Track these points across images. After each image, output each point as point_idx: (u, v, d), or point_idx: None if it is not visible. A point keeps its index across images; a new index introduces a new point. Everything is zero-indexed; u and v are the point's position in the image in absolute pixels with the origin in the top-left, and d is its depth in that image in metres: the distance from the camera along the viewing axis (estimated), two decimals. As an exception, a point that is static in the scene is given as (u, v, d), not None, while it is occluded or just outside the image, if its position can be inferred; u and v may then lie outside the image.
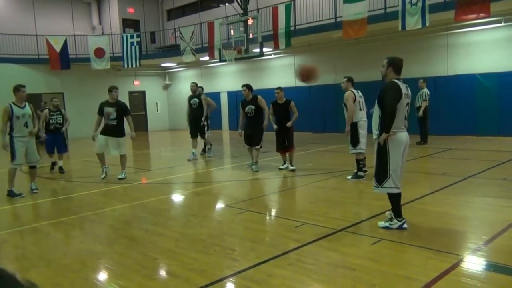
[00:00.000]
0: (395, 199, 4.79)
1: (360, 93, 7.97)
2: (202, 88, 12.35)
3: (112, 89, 8.95)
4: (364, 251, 4.26)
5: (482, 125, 13.65)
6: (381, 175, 4.76)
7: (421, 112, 12.21)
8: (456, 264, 3.83)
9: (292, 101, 9.06)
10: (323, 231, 4.93)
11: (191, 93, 11.68)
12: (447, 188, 6.90)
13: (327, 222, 5.31)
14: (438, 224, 5.05)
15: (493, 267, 3.77)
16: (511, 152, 10.16)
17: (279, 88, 9.20)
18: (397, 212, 4.79)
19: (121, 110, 8.96)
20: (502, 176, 7.58)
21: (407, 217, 4.90)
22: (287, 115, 9.05)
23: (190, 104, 11.55)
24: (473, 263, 3.91)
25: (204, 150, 12.24)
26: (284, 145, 9.10)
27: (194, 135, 11.58)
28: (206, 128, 11.80)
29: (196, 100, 11.46)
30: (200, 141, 11.75)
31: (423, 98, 12.33)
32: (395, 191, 4.74)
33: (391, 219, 4.82)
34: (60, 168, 10.57)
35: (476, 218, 5.44)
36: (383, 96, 4.67)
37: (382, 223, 4.87)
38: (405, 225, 4.76)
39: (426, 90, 12.40)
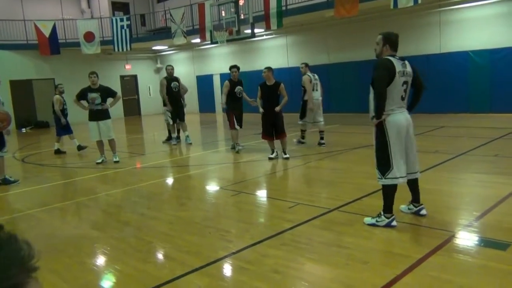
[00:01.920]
0: (390, 191, 4.31)
1: (316, 76, 9.69)
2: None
3: (90, 75, 8.85)
4: (357, 229, 4.31)
5: (474, 102, 13.70)
6: (384, 165, 4.26)
7: None
8: (448, 240, 3.88)
9: (282, 83, 8.37)
10: (316, 211, 4.97)
11: (167, 76, 11.24)
12: (440, 165, 6.95)
13: (321, 202, 5.35)
14: (430, 201, 5.09)
15: (483, 242, 3.83)
16: (503, 129, 10.22)
17: (267, 68, 8.40)
18: (388, 207, 4.30)
19: (106, 93, 8.98)
20: (494, 153, 7.63)
21: (398, 195, 4.89)
22: (275, 98, 8.32)
23: (170, 88, 11.14)
24: (464, 238, 3.96)
25: (179, 137, 11.76)
26: (272, 132, 8.38)
27: (175, 119, 11.30)
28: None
29: (176, 83, 11.18)
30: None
31: None
32: (400, 181, 4.26)
33: (378, 215, 4.35)
34: (79, 146, 11.24)
35: (468, 194, 5.50)
36: (373, 77, 4.20)
37: (368, 220, 4.41)
38: (394, 223, 4.26)
39: None
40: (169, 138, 11.68)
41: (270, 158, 8.39)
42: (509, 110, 12.87)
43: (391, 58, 4.22)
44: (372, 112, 4.31)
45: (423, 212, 4.49)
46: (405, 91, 4.28)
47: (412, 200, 4.61)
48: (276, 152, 8.49)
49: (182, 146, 11.18)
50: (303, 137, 10.02)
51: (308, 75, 9.46)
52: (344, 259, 3.63)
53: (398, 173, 4.24)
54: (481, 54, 13.41)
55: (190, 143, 11.23)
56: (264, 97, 8.39)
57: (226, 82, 9.45)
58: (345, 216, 4.77)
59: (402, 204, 4.70)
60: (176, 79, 11.28)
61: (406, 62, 4.30)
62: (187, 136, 11.38)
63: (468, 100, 13.82)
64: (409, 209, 4.61)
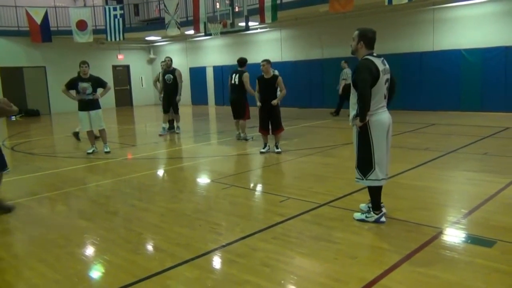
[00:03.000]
0: (376, 190, 4.32)
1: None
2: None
3: (81, 64, 8.69)
4: (346, 224, 4.34)
5: (466, 101, 13.82)
6: (365, 166, 4.24)
7: (340, 90, 13.82)
8: (435, 237, 3.93)
9: (279, 77, 8.33)
10: (307, 205, 5.00)
11: (164, 68, 11.47)
12: (429, 162, 7.02)
13: (312, 196, 5.38)
14: (419, 198, 5.16)
15: (470, 238, 3.89)
16: (493, 127, 10.33)
17: (265, 60, 8.27)
18: (376, 205, 4.34)
19: (97, 83, 8.89)
20: (483, 151, 7.72)
21: (388, 192, 4.97)
22: (273, 91, 8.23)
23: (164, 80, 11.39)
24: (452, 235, 4.02)
25: (172, 127, 12.03)
26: (267, 126, 8.38)
27: (166, 110, 11.57)
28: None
29: (171, 75, 11.31)
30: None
31: (343, 78, 13.94)
32: (382, 183, 4.27)
33: (368, 211, 4.40)
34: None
35: (456, 192, 5.57)
36: (356, 79, 4.12)
37: (358, 215, 4.44)
38: (383, 219, 4.30)
39: (346, 70, 13.75)
40: (171, 128, 12.02)
41: (261, 152, 8.40)
42: (499, 109, 13.01)
43: (371, 58, 4.12)
44: (352, 115, 4.24)
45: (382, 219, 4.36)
46: (387, 88, 4.24)
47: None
48: (268, 146, 8.49)
49: (175, 137, 11.16)
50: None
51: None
52: (333, 253, 3.67)
53: (381, 174, 4.22)
54: (473, 53, 13.51)
55: (178, 133, 11.60)
56: (261, 91, 8.31)
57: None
58: (335, 211, 4.81)
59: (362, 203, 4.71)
60: (171, 71, 11.37)
61: (383, 59, 4.21)
62: (177, 127, 11.82)
63: (460, 98, 13.93)
64: (368, 207, 4.49)
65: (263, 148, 8.48)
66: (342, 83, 13.95)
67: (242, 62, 10.09)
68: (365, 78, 4.03)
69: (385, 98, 4.22)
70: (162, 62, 11.57)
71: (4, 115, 5.72)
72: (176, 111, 11.64)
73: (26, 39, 19.40)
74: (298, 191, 5.68)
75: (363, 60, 4.15)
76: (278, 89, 8.36)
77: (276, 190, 5.93)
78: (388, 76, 4.22)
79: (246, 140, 10.03)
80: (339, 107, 14.49)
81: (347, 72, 13.68)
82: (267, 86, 8.26)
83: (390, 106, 4.37)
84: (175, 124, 11.92)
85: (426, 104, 14.39)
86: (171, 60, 11.49)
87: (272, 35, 19.17)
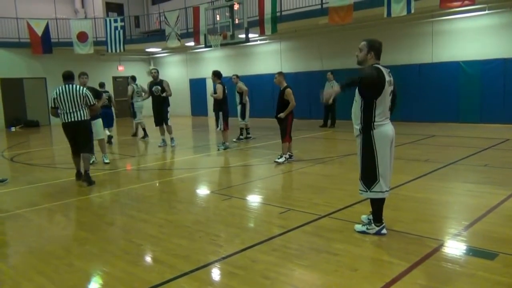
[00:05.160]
0: (379, 203, 4.28)
1: None
2: (237, 76, 12.49)
3: (82, 75, 8.66)
4: (347, 236, 4.32)
5: (465, 112, 13.86)
6: (370, 178, 4.20)
7: (330, 100, 13.40)
8: (437, 249, 3.91)
9: (287, 89, 8.20)
10: (307, 217, 4.98)
11: (151, 80, 11.51)
12: (430, 174, 7.01)
13: (312, 208, 5.36)
14: (419, 210, 5.14)
15: (472, 251, 3.86)
16: (493, 139, 10.33)
17: (277, 73, 8.49)
18: (378, 217, 4.30)
19: (94, 93, 8.80)
20: (484, 163, 7.71)
21: (389, 203, 4.95)
22: (280, 103, 8.23)
23: (152, 92, 11.33)
24: (453, 247, 3.99)
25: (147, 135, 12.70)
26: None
27: (158, 123, 11.46)
28: (168, 114, 11.52)
29: (158, 87, 11.24)
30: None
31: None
32: (386, 195, 4.23)
33: (369, 223, 4.36)
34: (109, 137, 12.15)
35: (457, 203, 5.54)
36: (363, 74, 4.02)
37: (359, 227, 4.42)
38: (384, 231, 4.28)
39: (333, 82, 14.10)
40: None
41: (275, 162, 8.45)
42: (498, 121, 13.04)
43: (379, 66, 4.10)
44: (356, 126, 4.21)
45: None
46: (391, 100, 4.22)
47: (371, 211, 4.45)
48: (284, 157, 8.46)
49: (174, 148, 11.14)
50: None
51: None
52: (333, 265, 3.64)
53: (385, 186, 4.19)
54: (472, 65, 13.57)
55: (173, 146, 11.39)
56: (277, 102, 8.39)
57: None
58: (336, 223, 4.78)
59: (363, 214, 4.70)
60: (158, 83, 11.29)
61: (389, 70, 4.20)
62: (172, 139, 11.55)
63: (459, 110, 13.97)
64: (369, 219, 4.46)
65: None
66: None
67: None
68: (373, 73, 3.99)
69: (389, 110, 4.20)
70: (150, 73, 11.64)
71: None
72: (166, 122, 11.38)
73: (27, 50, 19.51)
74: (298, 203, 5.66)
75: (372, 66, 4.11)
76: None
77: (276, 201, 5.91)
78: (392, 88, 4.20)
79: (224, 149, 10.53)
80: (326, 118, 14.91)
81: (332, 85, 14.07)
82: (278, 98, 8.35)
83: (390, 118, 4.35)
84: (168, 136, 11.54)
85: (425, 116, 14.41)
86: (157, 72, 11.50)
87: (272, 47, 19.28)
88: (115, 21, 19.34)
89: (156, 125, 11.55)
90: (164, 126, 11.45)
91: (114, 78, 23.54)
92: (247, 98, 12.12)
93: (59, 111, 7.16)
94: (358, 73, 4.08)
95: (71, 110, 7.09)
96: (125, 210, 5.81)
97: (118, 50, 19.51)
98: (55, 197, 6.62)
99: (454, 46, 14.02)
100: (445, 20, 14.08)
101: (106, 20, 19.55)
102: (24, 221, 5.42)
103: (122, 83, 24.12)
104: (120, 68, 23.79)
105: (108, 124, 11.64)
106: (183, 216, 5.34)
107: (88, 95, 7.26)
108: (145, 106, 13.82)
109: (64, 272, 3.77)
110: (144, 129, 13.63)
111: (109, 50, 19.48)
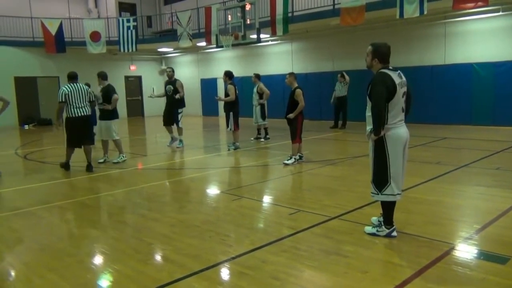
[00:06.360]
0: (390, 206, 4.26)
1: None
2: (257, 76, 12.29)
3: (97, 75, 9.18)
4: (357, 238, 4.31)
5: (477, 115, 13.71)
6: (381, 180, 4.19)
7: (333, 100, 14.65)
8: (447, 252, 3.88)
9: (297, 89, 8.21)
10: (317, 218, 4.97)
11: (167, 79, 11.31)
12: (441, 177, 6.96)
13: (322, 209, 5.35)
14: (430, 213, 5.10)
15: (483, 255, 3.83)
16: (506, 142, 10.22)
17: (288, 73, 8.51)
18: (388, 219, 4.29)
19: (106, 94, 9.08)
20: (496, 166, 7.63)
21: (400, 206, 4.91)
22: (290, 104, 8.24)
23: (165, 91, 11.17)
24: (464, 251, 3.96)
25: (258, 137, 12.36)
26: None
27: (167, 122, 11.23)
28: (181, 115, 11.27)
29: (171, 86, 11.00)
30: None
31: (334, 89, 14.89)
32: (397, 198, 4.20)
33: (379, 225, 4.34)
34: None
35: (469, 207, 5.49)
36: (371, 92, 4.08)
37: (369, 229, 4.41)
38: (394, 233, 4.26)
39: (343, 83, 14.54)
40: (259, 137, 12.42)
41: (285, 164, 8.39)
42: (511, 123, 12.88)
43: (387, 71, 4.09)
44: (368, 129, 4.19)
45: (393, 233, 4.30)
46: (405, 102, 4.19)
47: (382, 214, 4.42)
48: (294, 158, 8.44)
49: (182, 149, 11.18)
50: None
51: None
52: (343, 267, 3.63)
53: (396, 189, 4.17)
54: (485, 67, 13.43)
55: (179, 147, 11.21)
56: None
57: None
58: (346, 225, 4.77)
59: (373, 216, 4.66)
60: (172, 82, 11.07)
61: (400, 72, 4.16)
62: (180, 140, 11.35)
63: (471, 112, 13.84)
64: (379, 221, 4.41)
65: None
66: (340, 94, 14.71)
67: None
68: (380, 90, 4.01)
69: (403, 111, 4.17)
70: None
71: None
72: (177, 123, 11.20)
73: (41, 49, 19.73)
74: (308, 204, 5.65)
75: (378, 73, 4.12)
76: None
77: (286, 202, 5.91)
78: (405, 89, 4.17)
79: (235, 149, 10.55)
80: (336, 119, 14.93)
81: (339, 86, 14.68)
82: (289, 99, 8.34)
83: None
84: (177, 137, 11.35)
85: (437, 118, 14.30)
86: (173, 71, 11.30)
87: (283, 48, 19.27)
88: (128, 21, 19.49)
89: (164, 125, 11.34)
90: (175, 126, 11.26)
91: (126, 78, 23.72)
92: (263, 100, 12.01)
93: (64, 106, 8.00)
94: (369, 91, 4.10)
95: (80, 105, 8.04)
96: (136, 209, 5.86)
97: (130, 50, 19.66)
98: (66, 195, 6.69)
99: (467, 48, 13.88)
100: (458, 21, 13.95)
101: (118, 20, 19.70)
102: (36, 219, 5.49)
103: (134, 82, 24.31)
104: (132, 67, 23.95)
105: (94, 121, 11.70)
106: (193, 216, 5.37)
107: (91, 92, 8.33)
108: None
109: (75, 269, 3.81)
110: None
111: (122, 50, 19.63)
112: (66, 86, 8.06)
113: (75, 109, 7.99)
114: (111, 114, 9.04)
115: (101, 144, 9.38)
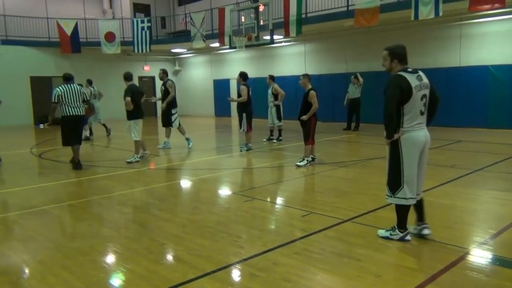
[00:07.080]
0: (403, 209, 4.20)
1: None
2: (271, 77, 12.22)
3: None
4: (370, 241, 4.27)
5: (493, 118, 13.52)
6: (394, 183, 4.14)
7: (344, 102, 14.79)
8: (462, 257, 3.83)
9: (311, 91, 8.17)
10: (329, 220, 4.95)
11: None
12: (456, 180, 6.87)
13: (334, 212, 5.32)
14: (445, 217, 5.04)
15: (498, 260, 3.77)
16: (522, 146, 10.06)
17: (302, 75, 8.50)
18: (402, 223, 4.22)
19: (125, 93, 9.23)
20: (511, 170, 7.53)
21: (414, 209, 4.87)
22: (303, 106, 8.24)
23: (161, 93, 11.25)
24: (479, 256, 3.90)
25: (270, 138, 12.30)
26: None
27: (164, 124, 11.34)
28: (174, 116, 11.19)
29: (162, 87, 11.05)
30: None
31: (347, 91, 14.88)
32: (410, 202, 4.14)
33: (392, 229, 4.28)
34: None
35: (484, 211, 5.41)
36: (384, 94, 4.04)
37: (382, 232, 4.36)
38: (407, 237, 4.20)
39: (355, 85, 14.51)
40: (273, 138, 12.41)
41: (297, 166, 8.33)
42: (528, 127, 12.69)
43: (404, 74, 4.02)
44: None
45: (425, 232, 4.24)
46: (424, 105, 4.09)
47: (416, 218, 4.37)
48: (306, 160, 8.40)
49: (194, 149, 11.22)
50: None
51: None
52: (356, 271, 3.61)
53: (409, 193, 4.10)
54: (501, 69, 13.25)
55: (169, 148, 11.24)
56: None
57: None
58: (359, 228, 4.74)
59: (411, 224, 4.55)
60: (164, 83, 11.10)
61: (421, 73, 4.10)
62: (187, 139, 11.36)
63: (487, 115, 13.65)
64: (414, 228, 4.36)
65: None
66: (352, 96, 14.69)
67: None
68: (392, 93, 3.97)
69: (421, 114, 4.09)
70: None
71: None
72: (170, 124, 11.19)
73: (56, 49, 19.98)
74: (320, 206, 5.63)
75: (394, 76, 4.08)
76: None
77: (298, 204, 5.89)
78: (425, 91, 4.08)
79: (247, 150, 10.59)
80: (350, 121, 14.86)
81: (353, 87, 14.63)
82: (302, 100, 8.33)
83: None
84: (168, 140, 11.36)
85: (452, 121, 14.12)
86: (163, 72, 11.18)
87: (296, 49, 19.24)
88: (142, 21, 19.66)
89: (163, 126, 11.49)
90: (171, 128, 11.30)
91: (140, 78, 23.88)
92: (279, 102, 11.98)
93: (58, 106, 8.41)
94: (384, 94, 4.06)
95: (74, 105, 8.45)
96: (148, 209, 5.89)
97: (144, 50, 19.81)
98: (80, 194, 6.76)
99: (482, 50, 13.70)
100: (474, 23, 13.78)
101: (133, 20, 19.88)
102: (50, 217, 5.55)
103: (147, 82, 24.46)
104: (146, 68, 24.12)
105: (84, 122, 11.75)
106: (205, 217, 5.37)
107: (85, 93, 8.81)
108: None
109: (88, 268, 3.84)
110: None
111: (136, 50, 19.79)
112: (60, 87, 8.46)
113: (70, 109, 8.42)
114: (129, 114, 9.21)
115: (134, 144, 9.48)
